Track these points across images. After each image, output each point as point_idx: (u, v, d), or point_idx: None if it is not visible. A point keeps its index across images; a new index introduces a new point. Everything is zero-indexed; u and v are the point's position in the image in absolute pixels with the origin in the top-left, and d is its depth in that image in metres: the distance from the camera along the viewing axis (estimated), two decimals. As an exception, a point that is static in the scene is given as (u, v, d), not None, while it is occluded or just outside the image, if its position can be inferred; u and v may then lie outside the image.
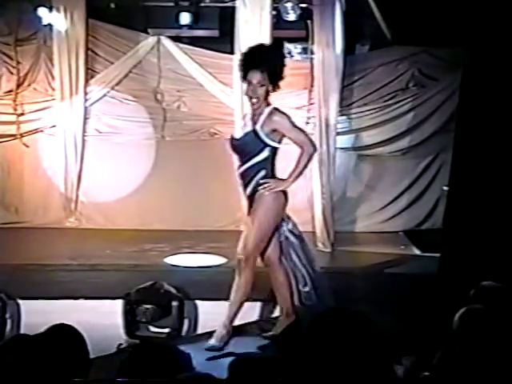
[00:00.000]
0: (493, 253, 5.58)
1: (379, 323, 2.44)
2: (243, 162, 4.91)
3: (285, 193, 4.97)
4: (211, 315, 5.22)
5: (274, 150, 4.91)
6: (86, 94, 8.30)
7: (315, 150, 5.05)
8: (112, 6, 8.12)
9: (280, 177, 4.99)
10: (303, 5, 7.74)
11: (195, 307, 5.76)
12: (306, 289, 4.99)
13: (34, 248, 7.57)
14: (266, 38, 7.82)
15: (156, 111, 8.43)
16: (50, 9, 7.92)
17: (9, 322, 5.35)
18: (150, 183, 8.33)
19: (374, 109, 8.34)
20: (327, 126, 7.78)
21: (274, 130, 4.85)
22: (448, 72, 8.04)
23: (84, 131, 8.40)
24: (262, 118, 4.84)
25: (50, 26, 8.03)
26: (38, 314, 5.37)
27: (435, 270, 6.20)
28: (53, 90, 8.32)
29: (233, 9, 7.83)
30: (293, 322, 4.99)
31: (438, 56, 8.21)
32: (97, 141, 8.50)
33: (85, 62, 8.21)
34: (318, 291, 4.99)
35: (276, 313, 5.50)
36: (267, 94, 4.89)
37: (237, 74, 7.91)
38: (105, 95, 8.40)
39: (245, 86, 4.88)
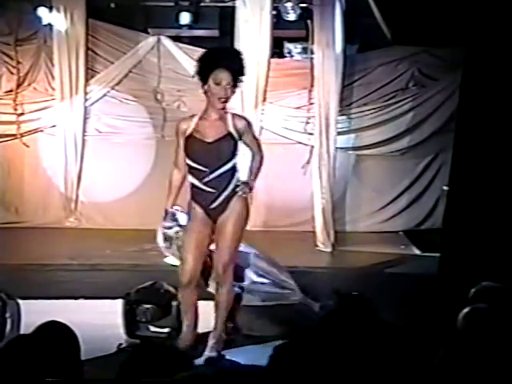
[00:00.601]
0: (493, 253, 5.58)
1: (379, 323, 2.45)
2: (216, 168, 4.74)
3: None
4: (211, 315, 5.21)
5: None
6: (86, 93, 8.30)
7: (263, 156, 5.05)
8: (112, 5, 8.12)
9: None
10: (303, 5, 7.75)
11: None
12: None
13: (34, 248, 7.57)
14: (266, 38, 7.84)
15: (156, 111, 8.43)
16: (50, 9, 7.92)
17: (9, 321, 5.34)
18: (150, 183, 8.33)
19: (374, 109, 8.34)
20: (327, 125, 7.79)
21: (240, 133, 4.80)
22: (448, 72, 8.05)
23: (84, 131, 8.41)
24: (229, 120, 4.76)
25: (50, 25, 8.04)
26: (37, 314, 5.36)
27: (435, 269, 6.20)
28: (53, 89, 8.32)
29: (233, 8, 7.84)
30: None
31: (438, 56, 8.21)
32: (97, 141, 8.50)
33: (85, 61, 8.21)
34: None
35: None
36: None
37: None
38: (105, 95, 8.41)
39: (213, 87, 4.67)
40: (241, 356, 4.73)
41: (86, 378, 2.92)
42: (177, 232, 5.05)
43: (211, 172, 4.72)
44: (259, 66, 7.94)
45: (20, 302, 5.05)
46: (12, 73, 8.31)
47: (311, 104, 8.11)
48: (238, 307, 5.16)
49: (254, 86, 8.00)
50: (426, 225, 8.50)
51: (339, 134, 8.01)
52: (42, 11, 7.88)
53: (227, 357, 4.72)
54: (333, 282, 6.53)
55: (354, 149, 8.48)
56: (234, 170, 4.81)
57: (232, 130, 4.71)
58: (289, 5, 7.69)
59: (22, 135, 8.40)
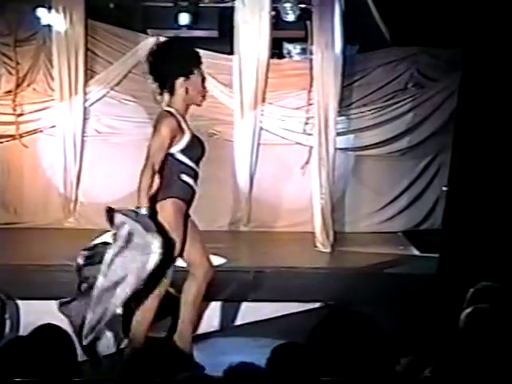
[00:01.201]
0: (492, 253, 5.58)
1: (378, 324, 2.45)
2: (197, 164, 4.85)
3: None
4: (209, 315, 5.23)
5: None
6: (85, 94, 8.30)
7: None
8: (111, 6, 8.12)
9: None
10: (302, 5, 7.75)
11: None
12: None
13: (33, 248, 7.56)
14: (265, 39, 7.85)
15: (155, 112, 8.37)
16: (50, 9, 7.93)
17: (8, 322, 5.34)
18: (150, 183, 8.32)
19: (373, 109, 8.35)
20: (326, 126, 7.79)
21: None
22: (447, 72, 8.05)
23: (83, 132, 8.40)
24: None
25: (49, 26, 8.04)
26: (37, 315, 5.37)
27: (434, 270, 6.20)
28: (52, 90, 8.32)
29: (232, 9, 7.84)
30: None
31: (437, 56, 8.22)
32: (96, 141, 8.50)
33: (84, 62, 8.21)
34: None
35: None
36: None
37: (236, 74, 8.03)
38: (104, 96, 8.41)
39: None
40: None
41: (85, 378, 2.93)
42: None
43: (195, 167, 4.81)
44: (258, 66, 7.95)
45: (19, 302, 5.06)
46: (11, 73, 8.30)
47: (310, 105, 8.12)
48: None
49: (253, 86, 8.01)
50: (425, 225, 8.51)
51: (338, 134, 8.01)
52: (41, 12, 7.89)
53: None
54: (332, 282, 6.53)
55: (354, 149, 8.48)
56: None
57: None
58: (288, 5, 7.70)
59: (21, 136, 8.39)
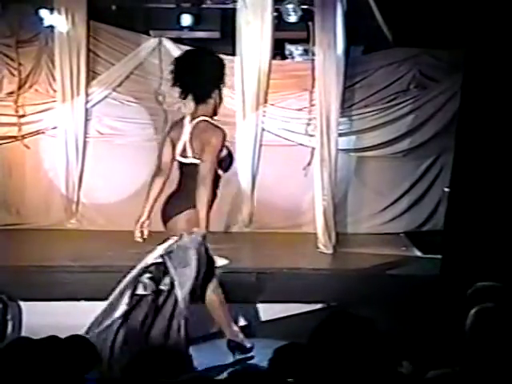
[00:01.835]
0: (494, 254, 5.57)
1: (381, 325, 2.45)
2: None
3: None
4: (211, 316, 5.22)
5: None
6: (87, 95, 8.30)
7: None
8: (113, 7, 8.12)
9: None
10: (304, 6, 7.74)
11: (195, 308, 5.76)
12: None
13: (36, 249, 7.57)
14: (267, 40, 7.85)
15: (157, 113, 8.43)
16: (52, 10, 7.92)
17: (10, 323, 5.35)
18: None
19: (375, 110, 8.34)
20: (328, 127, 7.79)
21: None
22: (449, 73, 8.04)
23: (85, 133, 8.40)
24: None
25: (51, 27, 8.04)
26: (39, 316, 5.38)
27: (436, 271, 6.20)
28: (54, 91, 8.32)
29: (234, 10, 7.84)
30: None
31: (439, 58, 8.21)
32: (98, 142, 8.50)
33: (86, 63, 8.21)
34: None
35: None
36: None
37: (238, 75, 8.03)
38: (106, 97, 8.40)
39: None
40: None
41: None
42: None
43: None
44: (260, 67, 7.94)
45: (21, 303, 5.06)
46: (13, 74, 8.31)
47: (312, 106, 8.11)
48: None
49: (255, 87, 8.00)
50: (427, 226, 8.50)
51: (340, 135, 8.01)
52: (43, 13, 7.89)
53: None
54: (334, 283, 6.53)
55: (356, 150, 8.47)
56: None
57: None
58: (290, 6, 7.69)
59: (23, 137, 8.40)
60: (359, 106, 8.37)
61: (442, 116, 8.24)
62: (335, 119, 7.79)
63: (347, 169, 8.42)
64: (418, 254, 7.66)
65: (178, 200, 4.86)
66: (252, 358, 4.92)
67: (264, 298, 6.04)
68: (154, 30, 8.22)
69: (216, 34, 8.09)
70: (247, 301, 5.88)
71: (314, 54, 7.88)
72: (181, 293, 4.56)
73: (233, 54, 7.99)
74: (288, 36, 8.21)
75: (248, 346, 5.01)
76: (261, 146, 8.29)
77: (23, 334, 4.96)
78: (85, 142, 8.41)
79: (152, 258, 4.75)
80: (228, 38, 7.96)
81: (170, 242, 4.76)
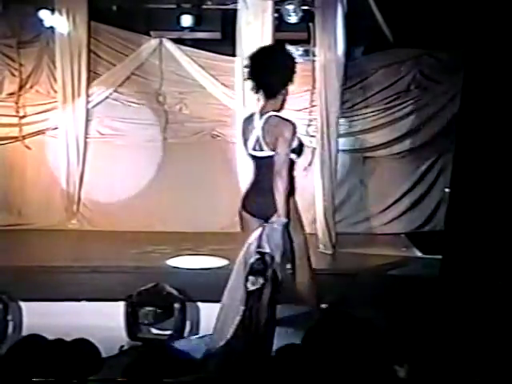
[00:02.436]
0: (494, 255, 5.58)
1: (381, 325, 2.46)
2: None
3: None
4: (213, 317, 5.22)
5: None
6: (88, 96, 8.32)
7: None
8: (114, 8, 8.13)
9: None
10: (305, 7, 7.75)
11: (197, 309, 5.76)
12: None
13: (37, 250, 7.58)
14: (267, 41, 7.85)
15: (158, 113, 8.44)
16: (53, 11, 7.93)
17: (11, 323, 5.36)
18: (152, 185, 8.34)
19: (376, 111, 8.34)
20: (329, 128, 7.78)
21: None
22: (450, 74, 8.05)
23: (86, 133, 8.41)
24: None
25: (52, 28, 8.05)
26: (40, 316, 5.39)
27: (437, 272, 6.20)
28: (55, 92, 8.33)
29: (235, 11, 7.84)
30: None
31: (440, 58, 8.21)
32: (99, 143, 8.51)
33: (87, 64, 8.22)
34: None
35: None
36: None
37: (239, 76, 8.03)
38: (107, 97, 8.42)
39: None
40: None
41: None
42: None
43: None
44: (261, 68, 7.94)
45: (22, 304, 5.07)
46: (14, 75, 8.32)
47: (313, 106, 8.12)
48: None
49: (256, 88, 8.01)
50: (427, 227, 8.50)
51: (341, 136, 8.01)
52: (44, 14, 7.90)
53: None
54: (334, 284, 6.53)
55: (356, 151, 8.48)
56: None
57: None
58: (291, 7, 7.69)
59: (24, 137, 8.41)
60: (360, 107, 8.38)
61: (442, 117, 8.25)
62: (336, 120, 7.79)
63: (347, 169, 8.43)
64: (419, 254, 7.66)
65: (258, 191, 5.13)
66: None
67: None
68: (154, 31, 8.22)
69: (217, 35, 8.09)
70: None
71: (314, 55, 7.89)
72: (279, 273, 4.77)
73: (233, 54, 7.99)
74: (289, 37, 8.19)
75: None
76: (261, 146, 8.29)
77: (24, 334, 4.97)
78: (86, 143, 8.43)
79: (252, 244, 4.87)
80: (229, 39, 7.96)
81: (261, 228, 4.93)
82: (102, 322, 5.38)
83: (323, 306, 5.35)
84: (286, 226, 4.92)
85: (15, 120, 8.34)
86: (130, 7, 8.14)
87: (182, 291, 5.75)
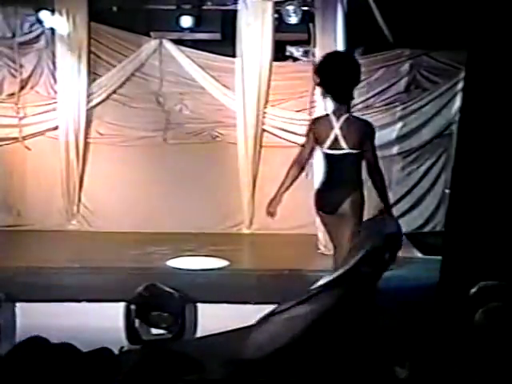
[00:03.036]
0: (495, 255, 5.57)
1: (380, 326, 2.45)
2: None
3: None
4: (213, 318, 5.22)
5: None
6: (88, 96, 8.32)
7: None
8: (114, 9, 8.13)
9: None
10: (305, 8, 7.75)
11: (197, 310, 5.76)
12: None
13: (37, 251, 7.58)
14: (268, 41, 7.86)
15: (158, 114, 8.44)
16: (53, 12, 7.94)
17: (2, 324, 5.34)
18: (152, 186, 8.35)
19: (376, 111, 8.34)
20: (329, 128, 7.78)
21: None
22: (449, 75, 8.05)
23: (86, 134, 8.41)
24: None
25: (52, 29, 8.06)
26: (40, 317, 5.39)
27: (437, 272, 6.20)
28: (55, 92, 8.33)
29: (235, 12, 7.85)
30: None
31: (440, 59, 8.21)
32: (98, 144, 8.51)
33: (87, 65, 8.22)
34: None
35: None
36: None
37: (239, 76, 8.04)
38: (107, 98, 8.42)
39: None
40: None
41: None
42: None
43: None
44: (261, 69, 7.95)
45: (24, 305, 5.06)
46: (14, 76, 8.32)
47: (313, 107, 8.12)
48: None
49: (256, 89, 8.02)
50: (427, 228, 8.50)
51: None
52: (44, 15, 7.90)
53: None
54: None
55: (356, 152, 8.47)
56: None
57: None
58: (291, 8, 7.70)
59: (24, 138, 8.41)
60: (359, 108, 8.36)
61: (442, 117, 8.25)
62: (336, 121, 7.78)
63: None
64: (419, 255, 7.65)
65: (336, 188, 5.42)
66: None
67: (264, 299, 6.03)
68: (154, 32, 8.23)
69: (217, 36, 8.10)
70: (247, 302, 5.88)
71: (314, 56, 7.88)
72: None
73: (233, 55, 8.00)
74: (289, 38, 8.21)
75: None
76: (261, 147, 8.30)
77: (23, 336, 4.96)
78: (85, 144, 8.43)
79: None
80: (229, 40, 7.97)
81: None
82: (102, 322, 5.37)
83: None
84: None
85: (15, 121, 8.34)
86: (130, 8, 8.15)
87: (182, 292, 5.74)
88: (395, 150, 8.43)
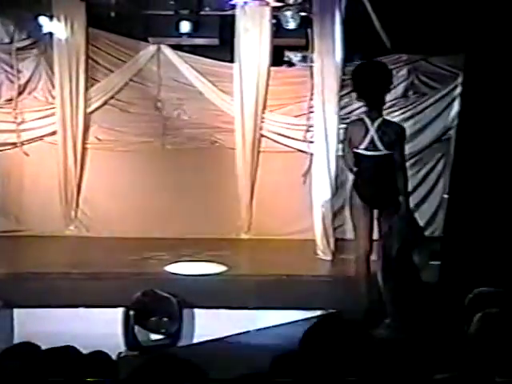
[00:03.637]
0: (493, 260, 5.57)
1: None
2: None
3: None
4: (211, 323, 5.22)
5: None
6: (86, 102, 8.31)
7: None
8: (112, 14, 8.13)
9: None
10: (303, 13, 7.75)
11: (194, 315, 5.76)
12: None
13: (34, 256, 7.57)
14: (266, 46, 7.86)
15: (156, 119, 8.44)
16: (51, 17, 7.93)
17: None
18: (150, 191, 8.33)
19: (374, 117, 8.33)
20: (327, 133, 7.79)
21: None
22: (448, 80, 8.05)
23: (84, 139, 8.40)
24: None
25: (50, 34, 8.05)
26: (38, 323, 5.38)
27: (436, 277, 6.20)
28: (53, 98, 8.32)
29: (233, 17, 7.85)
30: None
31: (438, 64, 8.21)
32: (97, 149, 8.50)
33: (85, 70, 8.22)
34: None
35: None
36: None
37: (237, 82, 8.05)
38: (105, 103, 8.41)
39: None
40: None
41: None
42: None
43: None
44: (259, 74, 7.96)
45: (21, 310, 5.05)
46: (12, 81, 8.32)
47: (311, 112, 8.12)
48: None
49: (254, 94, 8.02)
50: (426, 233, 8.47)
51: (339, 141, 8.00)
52: (42, 20, 7.89)
53: None
54: (333, 290, 6.52)
55: (354, 157, 8.46)
56: None
57: None
58: (289, 13, 7.70)
59: (22, 144, 8.40)
60: (357, 113, 8.36)
61: (440, 122, 8.24)
62: (334, 125, 7.79)
63: (346, 175, 8.41)
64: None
65: (378, 186, 5.91)
66: None
67: (262, 304, 6.03)
68: (152, 37, 8.22)
69: (215, 41, 8.09)
70: (246, 307, 5.87)
71: (312, 61, 7.89)
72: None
73: (231, 60, 8.00)
74: (287, 43, 8.21)
75: None
76: (259, 152, 8.30)
77: (23, 340, 4.95)
78: (83, 149, 8.42)
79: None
80: (227, 45, 7.97)
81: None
82: (100, 328, 5.36)
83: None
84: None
85: (13, 126, 8.33)
86: (128, 14, 8.14)
87: (180, 297, 5.74)
88: (393, 154, 8.42)
